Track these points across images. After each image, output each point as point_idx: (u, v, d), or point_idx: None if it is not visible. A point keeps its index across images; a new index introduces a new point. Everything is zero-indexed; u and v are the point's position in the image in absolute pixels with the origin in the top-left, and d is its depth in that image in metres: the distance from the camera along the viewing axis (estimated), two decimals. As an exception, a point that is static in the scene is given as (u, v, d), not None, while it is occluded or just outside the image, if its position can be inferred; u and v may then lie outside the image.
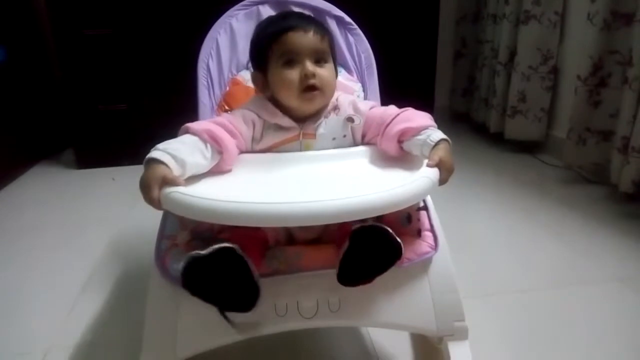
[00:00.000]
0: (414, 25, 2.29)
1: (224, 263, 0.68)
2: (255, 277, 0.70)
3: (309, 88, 0.84)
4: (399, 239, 0.72)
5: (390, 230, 0.71)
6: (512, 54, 2.18)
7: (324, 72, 0.85)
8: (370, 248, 0.71)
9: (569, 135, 1.85)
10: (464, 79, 2.71)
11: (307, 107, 0.87)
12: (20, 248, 1.50)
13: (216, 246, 0.67)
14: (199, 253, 0.67)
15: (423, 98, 2.35)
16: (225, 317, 0.73)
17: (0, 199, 1.89)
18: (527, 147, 2.24)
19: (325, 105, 0.90)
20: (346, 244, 0.71)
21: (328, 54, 0.88)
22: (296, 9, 1.14)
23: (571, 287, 1.22)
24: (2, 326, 1.13)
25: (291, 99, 0.86)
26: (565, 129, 1.89)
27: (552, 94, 2.14)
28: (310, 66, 0.84)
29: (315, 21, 0.90)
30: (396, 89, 2.10)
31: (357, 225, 0.70)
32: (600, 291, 1.20)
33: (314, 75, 0.84)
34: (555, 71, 2.12)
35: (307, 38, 0.85)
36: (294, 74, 0.84)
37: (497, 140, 2.33)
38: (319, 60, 0.86)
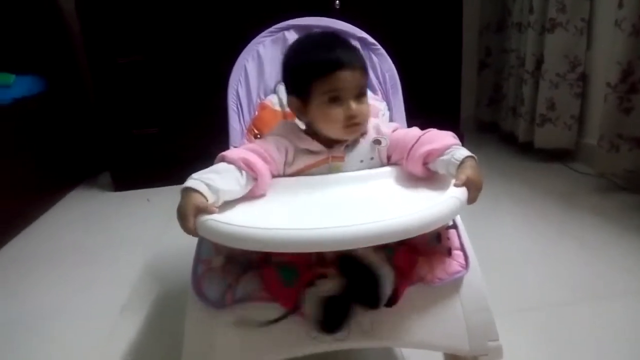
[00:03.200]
0: (437, 38, 2.29)
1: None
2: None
3: (352, 124, 0.87)
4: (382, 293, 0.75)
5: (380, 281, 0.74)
6: (539, 62, 2.16)
7: (364, 107, 0.88)
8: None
9: (600, 143, 1.81)
10: (489, 88, 2.69)
11: (348, 137, 0.90)
12: (60, 270, 1.56)
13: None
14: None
15: (449, 109, 2.34)
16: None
17: (42, 222, 1.97)
18: (558, 156, 2.20)
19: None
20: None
21: (365, 87, 0.91)
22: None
23: (607, 301, 1.20)
24: (43, 349, 1.18)
25: (334, 132, 0.89)
26: (596, 136, 1.85)
27: (582, 100, 2.11)
28: (354, 105, 0.86)
29: (356, 51, 0.92)
30: (422, 102, 2.13)
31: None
32: (635, 303, 1.17)
33: (357, 115, 0.86)
34: (583, 78, 2.08)
35: (354, 77, 0.86)
36: (339, 112, 0.86)
37: (526, 149, 2.30)
38: (359, 95, 0.88)
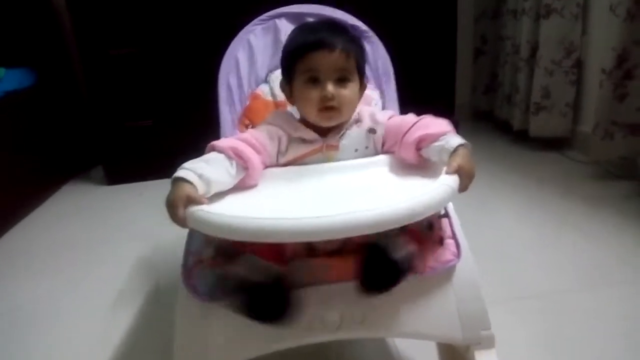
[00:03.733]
0: (431, 26, 2.28)
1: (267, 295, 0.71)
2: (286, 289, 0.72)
3: (326, 108, 0.85)
4: (401, 260, 0.73)
5: (392, 252, 0.73)
6: (534, 49, 2.14)
7: (344, 92, 0.86)
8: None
9: (595, 130, 1.80)
10: (485, 76, 2.68)
11: (324, 124, 0.88)
12: (53, 264, 1.55)
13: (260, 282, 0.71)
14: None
15: (444, 97, 2.33)
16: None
17: (35, 216, 1.96)
18: (553, 144, 2.19)
19: (348, 119, 0.91)
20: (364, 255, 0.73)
21: (352, 72, 0.88)
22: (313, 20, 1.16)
23: (601, 289, 1.20)
24: (36, 343, 1.17)
25: (310, 115, 0.88)
26: (591, 124, 1.84)
27: (577, 88, 2.10)
28: (330, 87, 0.84)
29: (344, 36, 0.88)
30: (417, 90, 2.11)
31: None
32: (633, 292, 1.17)
33: (333, 97, 0.84)
34: (579, 65, 2.07)
35: (331, 58, 0.84)
36: (314, 93, 0.85)
37: (522, 137, 2.29)
38: (342, 79, 0.86)
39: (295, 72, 0.88)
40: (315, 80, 0.86)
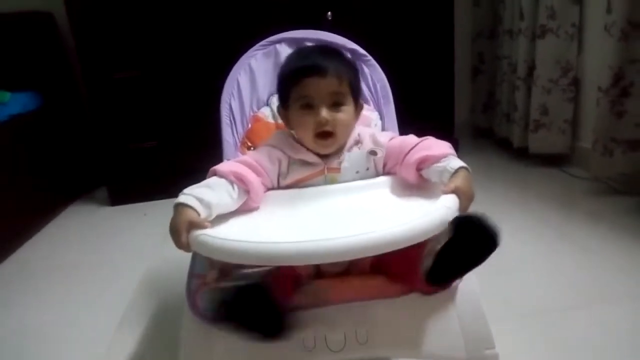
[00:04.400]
0: (429, 46, 2.31)
1: (252, 297, 0.69)
2: (279, 306, 0.71)
3: (322, 134, 0.87)
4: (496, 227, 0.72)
5: (488, 219, 0.72)
6: (531, 68, 2.17)
7: (339, 116, 0.87)
8: (471, 239, 0.71)
9: (594, 147, 1.82)
10: (483, 94, 2.71)
11: (321, 150, 0.90)
12: (58, 286, 1.56)
13: (241, 284, 0.70)
14: (229, 295, 0.69)
15: (443, 116, 2.35)
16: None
17: (40, 238, 1.97)
18: (553, 160, 2.21)
19: (346, 141, 0.92)
20: (444, 236, 0.71)
21: (345, 96, 0.89)
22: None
23: (603, 305, 1.20)
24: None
25: (306, 141, 0.89)
26: (590, 140, 1.86)
27: (575, 105, 2.12)
28: (324, 113, 0.86)
29: (337, 60, 0.90)
30: (416, 109, 2.14)
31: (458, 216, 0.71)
32: (634, 308, 1.17)
33: (327, 122, 0.86)
34: (576, 82, 2.10)
35: (323, 83, 0.86)
36: (309, 119, 0.87)
37: (522, 154, 2.31)
38: (336, 104, 0.88)
39: (290, 98, 0.90)
40: (309, 106, 0.87)
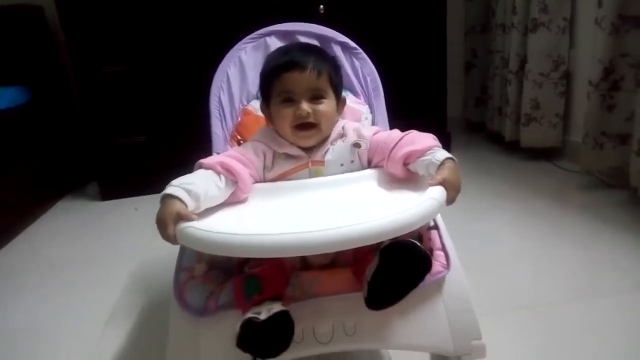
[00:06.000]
0: (422, 40, 2.31)
1: (277, 325, 0.70)
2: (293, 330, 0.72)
3: (302, 126, 0.88)
4: (426, 250, 0.73)
5: (417, 243, 0.72)
6: (523, 62, 2.18)
7: (320, 107, 0.88)
8: (399, 264, 0.71)
9: (585, 140, 1.83)
10: (476, 89, 2.71)
11: (301, 142, 0.90)
12: (47, 281, 1.55)
13: (274, 311, 0.70)
14: (257, 318, 0.69)
15: (436, 110, 2.35)
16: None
17: (30, 233, 1.96)
18: (544, 154, 2.22)
19: (330, 134, 0.92)
20: (374, 264, 0.71)
21: (325, 90, 0.90)
22: (302, 38, 1.19)
23: (593, 298, 1.20)
24: (31, 360, 1.17)
25: (286, 134, 0.90)
26: (581, 134, 1.87)
27: (566, 99, 2.13)
28: (304, 106, 0.87)
29: (315, 55, 0.91)
30: (409, 103, 2.15)
31: (385, 243, 0.71)
32: (625, 301, 1.18)
33: (308, 114, 0.87)
34: (567, 76, 2.11)
35: (302, 78, 0.87)
36: (289, 112, 0.88)
37: (513, 148, 2.32)
38: (316, 97, 0.89)
39: (271, 94, 0.91)
40: (290, 100, 0.88)
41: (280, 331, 0.70)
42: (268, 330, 0.69)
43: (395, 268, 0.71)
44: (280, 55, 0.93)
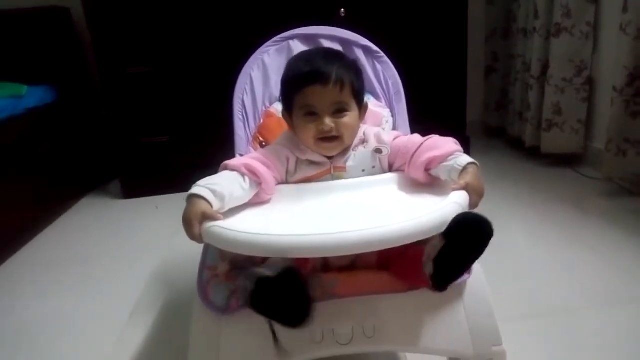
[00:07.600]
0: (442, 44, 2.30)
1: (287, 283, 0.69)
2: (309, 293, 0.70)
3: (325, 138, 0.88)
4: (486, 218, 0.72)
5: (481, 215, 0.72)
6: (545, 67, 2.16)
7: (343, 120, 0.88)
8: (466, 240, 0.71)
9: (608, 147, 1.80)
10: (496, 93, 2.69)
11: (325, 152, 0.91)
12: (70, 277, 1.58)
13: (283, 268, 0.69)
14: (266, 275, 0.68)
15: (455, 114, 2.34)
16: (274, 335, 0.74)
17: (53, 229, 2.00)
18: (565, 160, 2.19)
19: (350, 144, 0.93)
20: (437, 242, 0.71)
21: (348, 103, 0.89)
22: (325, 41, 1.20)
23: (613, 307, 1.19)
24: (52, 355, 1.20)
25: (310, 145, 0.90)
26: (603, 141, 1.84)
27: (589, 105, 2.10)
28: (328, 121, 0.87)
29: (337, 64, 0.89)
30: (429, 107, 2.14)
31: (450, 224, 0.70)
32: (646, 310, 1.16)
33: (331, 129, 0.87)
34: (590, 82, 2.08)
35: (325, 93, 0.86)
36: (311, 127, 0.88)
37: (534, 154, 2.29)
38: (339, 110, 0.88)
39: (293, 106, 0.90)
40: (313, 114, 0.88)
41: (293, 292, 0.68)
42: (281, 290, 0.68)
43: (462, 244, 0.71)
44: (302, 63, 0.91)
